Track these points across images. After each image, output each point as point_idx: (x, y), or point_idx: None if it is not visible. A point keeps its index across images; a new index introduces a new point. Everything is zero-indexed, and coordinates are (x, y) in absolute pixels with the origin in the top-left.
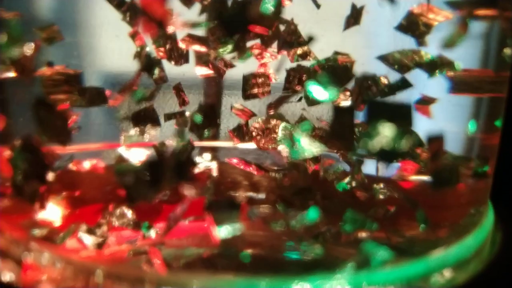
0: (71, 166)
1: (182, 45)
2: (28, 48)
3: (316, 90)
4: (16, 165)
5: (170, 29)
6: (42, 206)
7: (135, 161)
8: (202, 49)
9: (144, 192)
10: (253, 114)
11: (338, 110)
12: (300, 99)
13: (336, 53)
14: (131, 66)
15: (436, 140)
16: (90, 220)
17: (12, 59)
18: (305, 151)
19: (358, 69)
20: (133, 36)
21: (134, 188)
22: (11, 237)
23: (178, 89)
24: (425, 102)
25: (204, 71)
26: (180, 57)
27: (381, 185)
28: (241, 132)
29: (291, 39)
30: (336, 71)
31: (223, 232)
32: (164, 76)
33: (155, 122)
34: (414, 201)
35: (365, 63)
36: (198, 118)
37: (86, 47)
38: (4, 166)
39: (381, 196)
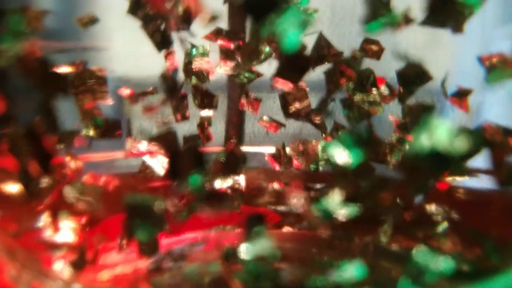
0: (86, 179)
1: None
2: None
3: (338, 153)
4: (19, 154)
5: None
6: (56, 228)
7: (158, 171)
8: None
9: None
10: (281, 125)
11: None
12: (334, 99)
13: (366, 40)
14: (143, 71)
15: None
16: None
17: (13, 55)
18: (336, 211)
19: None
20: (166, 56)
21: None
22: (23, 259)
23: (203, 126)
24: (461, 94)
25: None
26: (208, 104)
27: (434, 206)
28: (279, 156)
29: (323, 52)
30: (361, 137)
31: (246, 251)
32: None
33: (174, 147)
34: (478, 232)
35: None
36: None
37: (98, 51)
38: (7, 158)
39: (436, 219)
